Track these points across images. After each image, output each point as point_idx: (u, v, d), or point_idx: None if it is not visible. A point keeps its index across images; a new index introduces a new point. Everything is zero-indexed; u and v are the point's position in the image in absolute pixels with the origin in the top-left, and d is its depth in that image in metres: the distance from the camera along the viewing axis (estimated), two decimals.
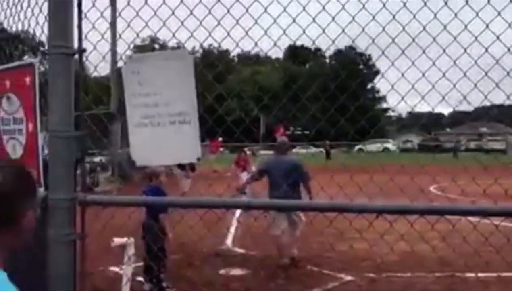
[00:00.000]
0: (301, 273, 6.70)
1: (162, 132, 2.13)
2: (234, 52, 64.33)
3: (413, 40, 2.53)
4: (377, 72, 60.92)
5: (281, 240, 7.15)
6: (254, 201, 2.92)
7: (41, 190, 1.95)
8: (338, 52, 59.50)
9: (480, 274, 5.99)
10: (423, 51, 2.51)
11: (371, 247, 5.69)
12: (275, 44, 2.63)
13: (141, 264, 6.44)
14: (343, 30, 2.50)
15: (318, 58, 66.69)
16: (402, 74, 2.74)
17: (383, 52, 2.40)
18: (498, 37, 2.44)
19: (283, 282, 6.35)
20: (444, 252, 5.98)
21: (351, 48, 48.48)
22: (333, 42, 2.47)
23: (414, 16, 2.47)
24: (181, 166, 13.23)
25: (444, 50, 2.49)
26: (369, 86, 64.71)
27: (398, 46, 2.64)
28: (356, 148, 44.75)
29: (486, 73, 2.46)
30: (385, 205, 2.06)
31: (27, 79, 2.41)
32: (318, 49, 60.93)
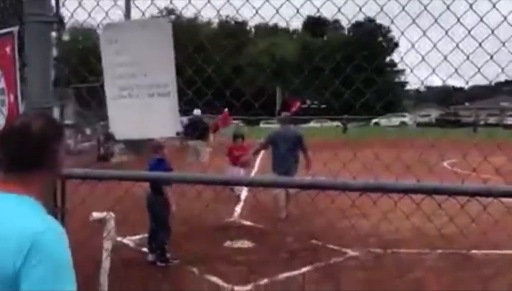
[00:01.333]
0: (305, 248, 6.67)
1: (140, 105, 2.06)
2: (251, 23, 63.51)
3: (425, 8, 2.38)
4: (396, 44, 59.74)
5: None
6: (255, 178, 2.86)
7: None
8: (357, 24, 58.34)
9: (486, 252, 5.90)
10: (435, 20, 2.36)
11: (377, 224, 5.65)
12: (297, 11, 2.50)
13: (146, 235, 6.51)
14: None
15: (336, 30, 65.53)
16: (413, 45, 2.59)
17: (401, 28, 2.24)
18: None
19: (287, 256, 6.33)
20: (451, 230, 5.87)
21: (370, 21, 47.40)
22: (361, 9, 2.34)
23: None
24: (202, 136, 13.25)
25: (458, 20, 2.34)
26: (388, 59, 63.57)
27: (409, 14, 2.49)
28: (373, 122, 44.24)
29: (503, 44, 2.31)
30: (367, 184, 1.97)
31: (7, 49, 2.35)
32: (336, 21, 59.86)
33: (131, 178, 2.33)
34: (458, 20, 2.34)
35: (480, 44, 2.36)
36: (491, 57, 2.40)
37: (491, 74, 2.62)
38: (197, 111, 13.41)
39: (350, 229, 6.79)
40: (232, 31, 54.93)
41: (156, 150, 6.17)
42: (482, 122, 42.24)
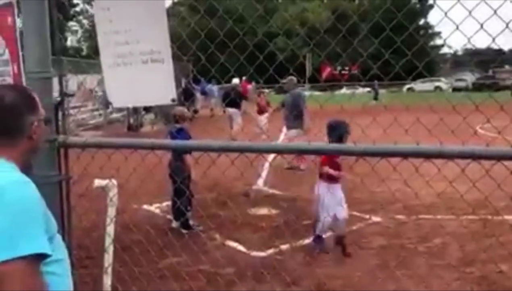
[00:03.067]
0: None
1: (135, 72, 2.06)
2: None
3: None
4: (431, 6, 57.45)
5: None
6: (264, 145, 2.84)
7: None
8: None
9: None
10: None
11: (400, 190, 5.56)
12: None
13: (170, 202, 6.65)
14: None
15: None
16: (445, 14, 2.43)
17: None
18: None
19: (310, 221, 6.35)
20: (476, 195, 5.73)
21: None
22: None
23: None
24: (234, 104, 13.37)
25: None
26: (422, 21, 61.31)
27: None
28: (406, 87, 43.11)
29: None
30: (366, 148, 1.93)
31: (9, 19, 2.38)
32: None
33: (148, 147, 2.34)
34: None
35: None
36: None
37: None
38: (235, 81, 13.49)
39: (373, 195, 6.75)
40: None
41: (178, 120, 6.27)
42: None
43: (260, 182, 8.84)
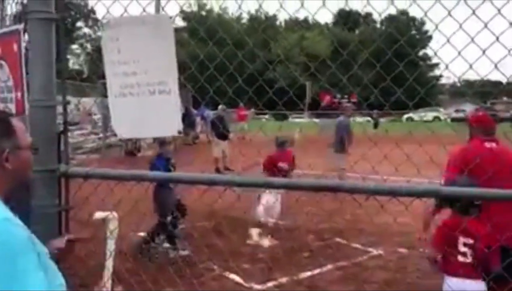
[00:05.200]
0: (329, 246, 6.56)
1: (142, 103, 2.01)
2: (281, 17, 63.23)
3: None
4: (430, 37, 58.27)
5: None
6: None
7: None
8: (390, 18, 57.16)
9: None
10: (473, 12, 2.21)
11: (404, 223, 5.48)
12: (323, 4, 2.42)
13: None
14: None
15: (368, 24, 64.44)
16: (448, 40, 2.43)
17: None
18: None
19: (310, 254, 6.24)
20: None
21: (402, 14, 46.35)
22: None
23: None
24: (222, 136, 13.21)
25: (499, 11, 2.18)
26: (421, 52, 62.09)
27: (443, 6, 2.34)
28: (405, 116, 43.30)
29: None
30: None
31: (14, 46, 2.35)
32: (369, 14, 58.89)
33: (131, 178, 2.28)
34: (499, 11, 2.17)
35: None
36: None
37: None
38: (221, 107, 13.41)
39: (374, 228, 6.66)
40: (262, 24, 54.90)
41: (160, 146, 6.34)
42: None
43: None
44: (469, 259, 3.06)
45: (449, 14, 2.04)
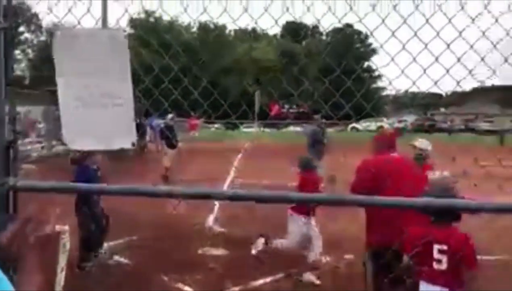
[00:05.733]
0: (280, 254, 6.63)
1: (95, 115, 2.00)
2: (231, 27, 63.46)
3: (404, 21, 2.41)
4: (374, 50, 60.36)
5: None
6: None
7: None
8: (336, 30, 58.80)
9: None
10: (415, 34, 2.40)
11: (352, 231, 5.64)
12: (276, 22, 2.49)
13: (119, 241, 6.41)
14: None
15: (315, 36, 66.03)
16: (392, 59, 2.63)
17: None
18: (496, 20, 2.35)
19: (260, 263, 6.29)
20: None
21: (348, 26, 47.84)
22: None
23: None
24: (172, 145, 13.11)
25: (437, 34, 2.39)
26: (365, 64, 64.24)
27: (388, 27, 2.52)
28: (350, 126, 44.57)
29: (482, 59, 2.38)
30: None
31: None
32: (315, 26, 60.30)
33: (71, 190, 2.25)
34: (437, 34, 2.39)
35: (459, 60, 2.45)
36: (470, 72, 2.49)
37: (466, 83, 2.71)
38: (170, 116, 13.30)
39: (326, 236, 6.79)
40: (212, 34, 54.89)
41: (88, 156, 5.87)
42: (457, 127, 43.06)
43: (211, 220, 8.71)
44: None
45: (393, 34, 2.17)
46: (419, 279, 3.09)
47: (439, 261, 3.01)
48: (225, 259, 6.57)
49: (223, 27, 56.76)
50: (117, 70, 1.95)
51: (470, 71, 2.49)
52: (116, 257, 6.36)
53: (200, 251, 6.89)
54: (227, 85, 38.20)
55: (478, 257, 3.03)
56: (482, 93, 55.70)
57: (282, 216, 6.28)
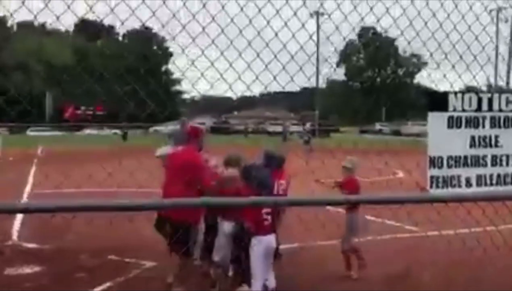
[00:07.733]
0: (102, 264, 6.38)
1: None
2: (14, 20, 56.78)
3: (203, 29, 2.74)
4: (171, 54, 61.36)
5: None
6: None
7: None
8: (133, 32, 57.89)
9: None
10: (212, 42, 2.77)
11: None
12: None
13: None
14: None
15: (111, 36, 64.02)
16: (192, 63, 2.97)
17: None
18: (276, 34, 2.83)
19: (84, 274, 5.97)
20: None
21: (146, 28, 47.64)
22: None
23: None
24: None
25: (231, 42, 2.79)
26: (164, 68, 65.06)
27: (189, 34, 2.79)
28: (152, 129, 44.52)
29: (266, 66, 2.86)
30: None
31: None
32: (111, 26, 58.34)
33: None
34: (231, 42, 2.83)
35: (249, 66, 2.95)
36: (257, 77, 3.06)
37: (256, 87, 3.32)
38: None
39: (144, 241, 6.73)
40: None
41: None
42: (250, 129, 46.92)
43: (15, 236, 7.79)
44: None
45: (194, 40, 2.50)
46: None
47: None
48: (39, 277, 5.98)
49: (5, 18, 50.71)
50: None
51: (257, 77, 3.04)
52: None
53: (6, 272, 6.13)
54: (13, 86, 34.28)
55: None
56: (268, 98, 61.66)
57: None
